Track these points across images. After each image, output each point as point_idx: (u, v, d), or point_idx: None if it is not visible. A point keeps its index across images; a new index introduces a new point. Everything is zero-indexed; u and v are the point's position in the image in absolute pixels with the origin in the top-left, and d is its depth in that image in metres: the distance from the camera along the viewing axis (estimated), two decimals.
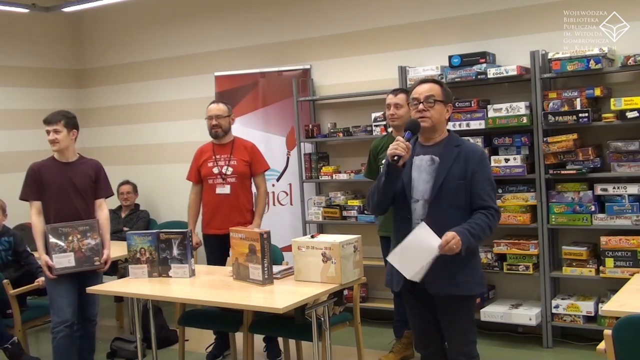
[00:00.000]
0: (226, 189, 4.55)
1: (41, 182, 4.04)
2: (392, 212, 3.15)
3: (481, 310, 4.72)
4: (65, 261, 4.00)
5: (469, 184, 2.94)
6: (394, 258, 2.95)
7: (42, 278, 4.30)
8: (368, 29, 5.50)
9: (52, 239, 3.96)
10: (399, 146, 2.87)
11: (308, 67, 5.74)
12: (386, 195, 3.00)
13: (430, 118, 2.97)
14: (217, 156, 4.61)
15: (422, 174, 2.99)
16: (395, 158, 2.87)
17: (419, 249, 2.85)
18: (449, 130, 3.10)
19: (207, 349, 4.68)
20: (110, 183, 4.35)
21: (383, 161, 3.07)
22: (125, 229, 5.80)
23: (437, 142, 3.02)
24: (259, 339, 4.36)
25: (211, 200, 4.60)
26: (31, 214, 4.07)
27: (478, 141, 4.74)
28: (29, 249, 4.85)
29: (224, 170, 4.55)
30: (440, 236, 2.84)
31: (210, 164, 4.61)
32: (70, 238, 4.01)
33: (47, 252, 3.98)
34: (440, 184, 2.93)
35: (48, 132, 4.06)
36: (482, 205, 2.94)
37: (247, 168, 4.61)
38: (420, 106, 2.98)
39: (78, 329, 4.13)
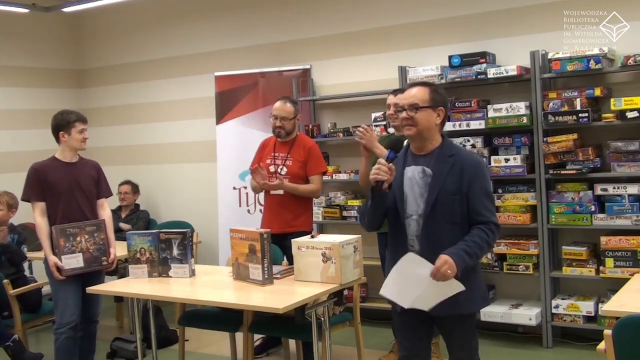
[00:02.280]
0: (280, 190, 4.38)
1: (46, 182, 4.01)
2: None
3: (481, 310, 4.69)
4: (74, 262, 3.99)
5: (464, 197, 2.75)
6: (386, 290, 2.80)
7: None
8: (368, 29, 5.50)
9: (60, 240, 3.95)
10: (380, 170, 2.72)
11: (308, 67, 5.74)
12: (375, 215, 2.89)
13: (414, 126, 2.78)
14: (276, 154, 4.48)
15: (414, 187, 2.81)
16: (378, 182, 2.75)
17: (409, 279, 2.73)
18: (443, 136, 2.89)
19: (255, 341, 4.52)
20: (109, 183, 4.36)
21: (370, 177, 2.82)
22: (123, 225, 5.81)
23: (430, 151, 2.83)
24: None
25: (267, 197, 4.50)
26: (35, 215, 4.04)
27: (478, 141, 4.75)
28: (25, 253, 4.86)
29: (279, 170, 4.41)
30: (435, 255, 2.68)
31: (268, 161, 4.49)
32: (78, 239, 4.01)
33: (55, 253, 3.97)
34: (434, 199, 2.75)
35: (83, 130, 4.05)
36: (481, 220, 2.76)
37: (302, 169, 4.40)
38: (403, 114, 2.80)
39: (80, 329, 4.12)
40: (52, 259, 3.95)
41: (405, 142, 2.97)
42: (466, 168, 2.77)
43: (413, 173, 2.83)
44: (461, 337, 2.94)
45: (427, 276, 2.67)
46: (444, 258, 2.65)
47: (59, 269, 3.95)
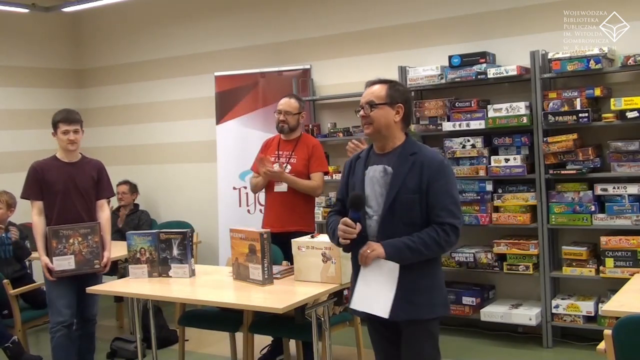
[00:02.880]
0: (283, 187, 4.34)
1: (44, 181, 4.01)
2: None
3: (481, 310, 4.73)
4: (65, 264, 3.99)
5: (424, 197, 2.67)
6: (358, 304, 2.76)
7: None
8: (368, 29, 5.50)
9: (53, 241, 3.95)
10: (347, 233, 2.69)
11: (308, 67, 5.74)
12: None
13: (371, 124, 2.75)
14: (280, 152, 4.45)
15: (375, 187, 2.75)
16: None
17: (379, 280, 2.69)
18: (407, 135, 2.83)
19: (261, 351, 4.52)
20: (111, 184, 4.35)
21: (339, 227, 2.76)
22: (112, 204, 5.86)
23: (392, 150, 2.77)
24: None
25: (269, 196, 4.46)
26: (32, 214, 4.05)
27: (478, 141, 4.75)
28: (28, 245, 4.86)
29: (283, 168, 4.35)
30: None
31: (272, 159, 4.44)
32: (71, 241, 4.00)
33: (48, 254, 3.97)
34: (393, 198, 2.68)
35: (67, 131, 4.00)
36: (436, 221, 2.65)
37: (307, 167, 4.37)
38: (361, 112, 2.78)
39: (78, 329, 4.12)
40: (44, 259, 3.96)
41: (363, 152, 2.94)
42: (426, 166, 2.69)
43: (374, 172, 2.77)
44: (415, 344, 2.77)
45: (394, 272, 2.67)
46: (374, 245, 2.66)
47: (50, 270, 3.95)
